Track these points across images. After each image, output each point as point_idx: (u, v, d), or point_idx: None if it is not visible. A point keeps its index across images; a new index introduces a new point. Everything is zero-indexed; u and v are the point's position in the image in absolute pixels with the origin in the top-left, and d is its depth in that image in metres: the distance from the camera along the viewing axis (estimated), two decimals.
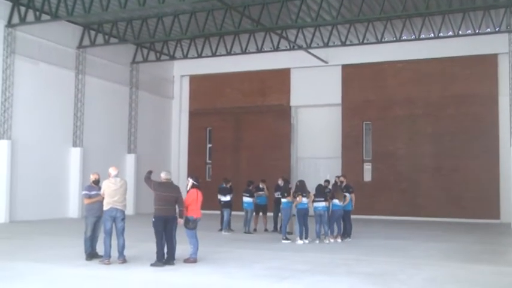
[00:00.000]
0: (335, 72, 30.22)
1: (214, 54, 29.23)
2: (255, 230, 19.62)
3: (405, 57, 28.60)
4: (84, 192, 12.87)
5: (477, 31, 25.40)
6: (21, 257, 12.96)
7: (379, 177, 29.22)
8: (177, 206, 12.07)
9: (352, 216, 18.24)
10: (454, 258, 13.67)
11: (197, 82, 33.94)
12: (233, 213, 19.93)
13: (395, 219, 27.19)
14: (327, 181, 18.62)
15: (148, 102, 31.74)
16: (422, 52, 27.96)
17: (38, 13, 23.31)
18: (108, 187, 12.12)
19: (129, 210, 28.49)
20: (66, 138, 26.46)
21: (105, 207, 12.13)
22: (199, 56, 29.67)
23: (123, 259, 12.09)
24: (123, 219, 12.21)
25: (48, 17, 23.65)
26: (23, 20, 23.48)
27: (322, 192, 16.98)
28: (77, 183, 25.88)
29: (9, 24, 23.47)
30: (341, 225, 17.42)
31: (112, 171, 12.42)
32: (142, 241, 15.26)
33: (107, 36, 26.95)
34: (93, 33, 27.10)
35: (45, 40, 25.10)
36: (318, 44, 27.91)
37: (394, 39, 26.59)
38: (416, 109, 28.69)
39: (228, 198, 19.71)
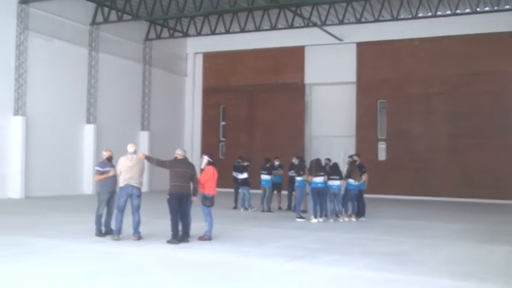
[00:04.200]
0: (350, 50, 29.95)
1: (227, 31, 29.01)
2: (269, 208, 19.48)
3: (421, 34, 28.22)
4: (96, 168, 12.82)
5: (495, 8, 24.97)
6: (36, 233, 12.99)
7: (393, 157, 29.04)
8: (191, 184, 12.04)
9: (366, 196, 18.18)
10: (471, 239, 13.54)
11: (211, 59, 33.77)
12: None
13: (410, 199, 27.04)
14: (328, 159, 18.35)
15: (161, 80, 31.66)
16: (438, 29, 27.57)
17: None
18: (124, 164, 12.06)
19: (144, 187, 28.63)
20: (80, 115, 26.48)
21: (121, 184, 12.08)
22: (213, 33, 29.45)
23: (138, 236, 12.05)
24: (138, 196, 12.16)
25: None
26: None
27: (337, 170, 16.85)
28: (91, 160, 25.91)
29: (22, 1, 23.37)
30: (355, 204, 17.32)
31: (129, 148, 12.35)
32: (158, 218, 15.25)
33: (120, 13, 26.77)
34: (106, 9, 26.93)
35: (59, 16, 25.02)
36: (332, 21, 27.55)
37: (410, 16, 26.18)
38: (432, 87, 28.37)
39: (245, 175, 19.62)
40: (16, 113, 23.11)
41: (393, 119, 29.21)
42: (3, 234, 12.69)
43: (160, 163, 12.25)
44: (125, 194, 12.05)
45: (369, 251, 11.33)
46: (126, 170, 12.02)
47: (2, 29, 22.81)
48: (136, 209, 12.12)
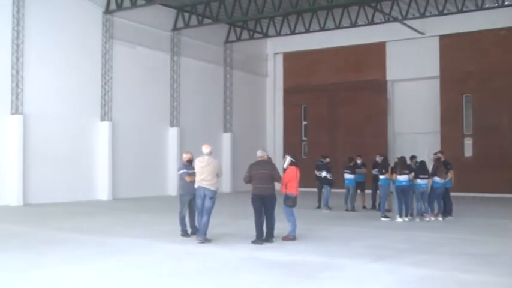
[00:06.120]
0: (432, 44, 29.23)
1: (307, 31, 28.97)
2: (353, 207, 19.25)
3: (508, 23, 27.08)
4: (183, 171, 12.79)
5: None
6: (122, 233, 13.37)
7: (480, 153, 28.04)
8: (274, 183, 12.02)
9: (453, 194, 17.63)
10: None
11: (291, 59, 33.79)
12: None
13: (499, 196, 26.00)
14: (414, 157, 17.77)
15: (242, 81, 31.95)
16: None
17: None
18: (197, 165, 12.03)
19: (226, 188, 29.18)
20: (164, 118, 27.13)
21: (195, 185, 12.04)
22: (293, 32, 29.46)
23: (203, 238, 11.77)
24: (211, 198, 11.88)
25: (143, 2, 24.16)
26: (119, 6, 24.09)
27: (424, 168, 16.39)
28: (175, 162, 26.41)
29: (107, 11, 24.19)
30: (441, 203, 16.84)
31: (204, 149, 12.16)
32: (239, 219, 15.37)
33: (200, 17, 27.23)
34: (186, 15, 27.47)
35: (141, 24, 25.72)
36: (413, 15, 26.87)
37: (496, 4, 25.20)
38: None
39: (323, 174, 19.49)
40: (103, 119, 23.94)
41: (479, 113, 28.22)
42: (90, 234, 13.16)
43: (247, 177, 12.06)
44: (199, 195, 11.97)
45: (457, 251, 10.99)
46: (198, 171, 11.94)
47: (89, 39, 23.69)
48: (206, 211, 11.87)
